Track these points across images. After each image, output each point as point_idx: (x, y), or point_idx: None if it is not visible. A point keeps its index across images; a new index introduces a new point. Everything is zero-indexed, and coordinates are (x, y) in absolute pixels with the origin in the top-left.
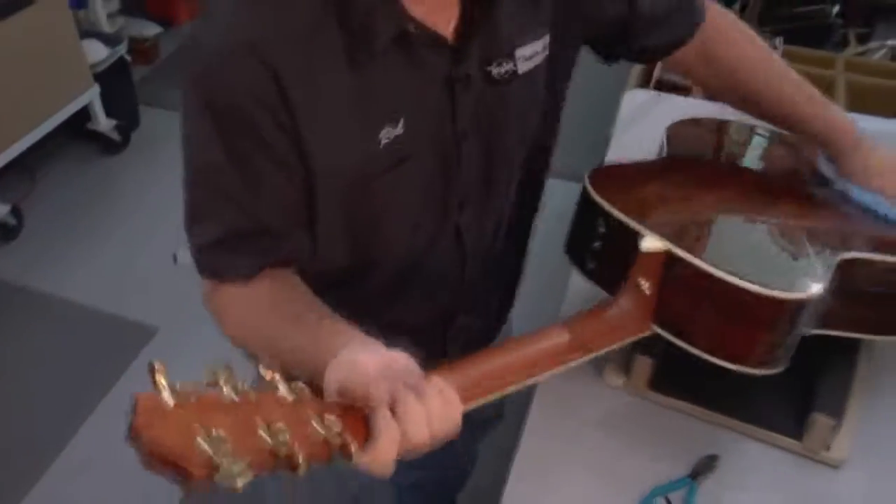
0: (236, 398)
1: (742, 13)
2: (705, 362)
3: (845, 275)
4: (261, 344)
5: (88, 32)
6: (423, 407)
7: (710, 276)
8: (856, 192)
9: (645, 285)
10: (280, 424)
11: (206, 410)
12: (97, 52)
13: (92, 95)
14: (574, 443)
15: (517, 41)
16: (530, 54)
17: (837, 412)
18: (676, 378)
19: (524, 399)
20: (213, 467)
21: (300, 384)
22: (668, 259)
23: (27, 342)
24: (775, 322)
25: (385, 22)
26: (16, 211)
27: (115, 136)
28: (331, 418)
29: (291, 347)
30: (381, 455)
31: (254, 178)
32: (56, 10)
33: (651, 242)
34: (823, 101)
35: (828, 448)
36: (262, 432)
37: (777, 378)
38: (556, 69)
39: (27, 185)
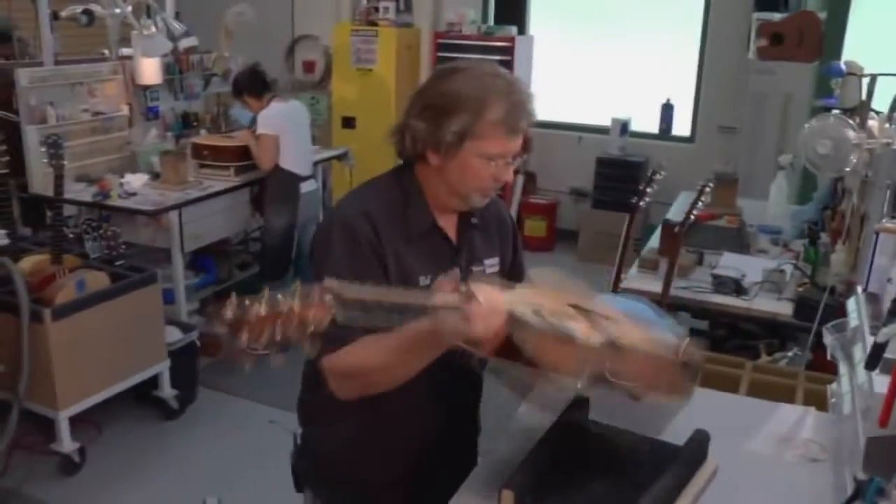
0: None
1: None
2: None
3: None
4: (377, 351)
5: (171, 321)
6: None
7: None
8: None
9: None
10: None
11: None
12: (173, 334)
13: (163, 367)
14: None
15: (484, 255)
16: (490, 264)
17: None
18: None
19: None
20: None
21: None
22: None
23: None
24: None
25: (423, 220)
26: (82, 451)
27: (175, 404)
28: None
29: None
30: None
31: (364, 274)
32: (153, 299)
33: None
34: None
35: None
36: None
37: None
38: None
39: (94, 433)
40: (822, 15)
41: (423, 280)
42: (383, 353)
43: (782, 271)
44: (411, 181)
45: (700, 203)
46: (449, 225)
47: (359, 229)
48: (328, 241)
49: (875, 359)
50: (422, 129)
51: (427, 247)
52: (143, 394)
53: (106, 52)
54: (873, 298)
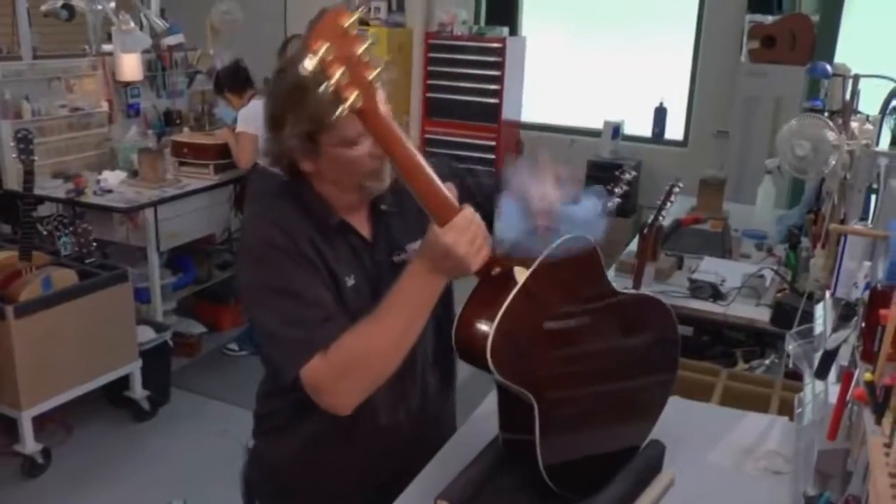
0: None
1: None
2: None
3: None
4: (368, 328)
5: (144, 320)
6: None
7: None
8: None
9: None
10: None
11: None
12: (146, 334)
13: (134, 367)
14: None
15: (407, 241)
16: (415, 248)
17: None
18: None
19: None
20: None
21: None
22: None
23: None
24: None
25: (329, 220)
26: (46, 452)
27: (146, 405)
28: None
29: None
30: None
31: (305, 286)
32: (124, 298)
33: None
34: None
35: None
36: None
37: None
38: None
39: (64, 434)
40: (815, 17)
41: (349, 280)
42: (375, 326)
43: (762, 276)
44: (304, 188)
45: (670, 203)
46: (360, 220)
47: (278, 240)
48: (249, 260)
49: (825, 367)
50: (275, 141)
51: (343, 247)
52: (117, 395)
53: (87, 48)
54: (840, 304)
